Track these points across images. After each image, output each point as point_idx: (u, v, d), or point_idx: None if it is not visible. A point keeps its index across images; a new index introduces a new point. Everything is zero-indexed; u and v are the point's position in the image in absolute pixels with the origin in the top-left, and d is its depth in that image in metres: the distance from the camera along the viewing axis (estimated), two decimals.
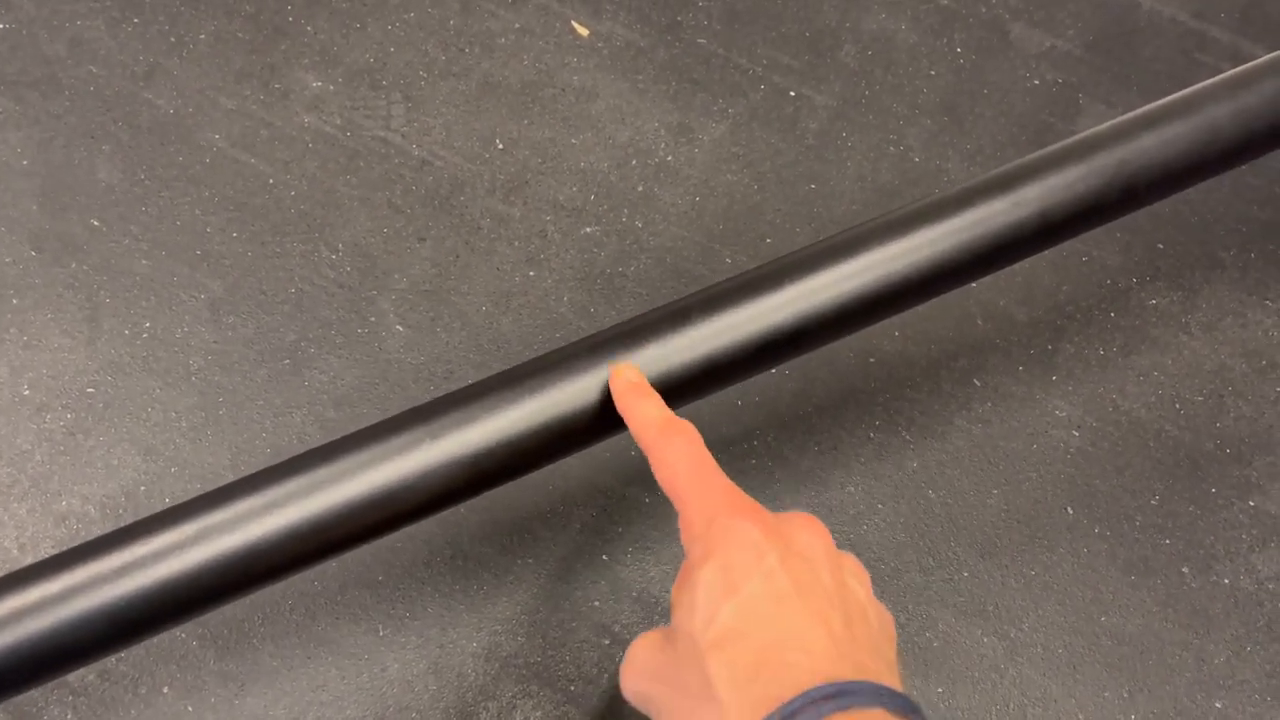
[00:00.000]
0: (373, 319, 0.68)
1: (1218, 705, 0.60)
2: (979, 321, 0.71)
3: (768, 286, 0.51)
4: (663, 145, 0.77)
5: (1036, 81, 0.82)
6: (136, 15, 0.79)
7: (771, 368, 0.53)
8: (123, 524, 0.56)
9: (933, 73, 0.82)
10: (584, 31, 0.83)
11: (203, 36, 0.79)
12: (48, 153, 0.72)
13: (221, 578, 0.44)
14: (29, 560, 0.57)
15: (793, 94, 0.81)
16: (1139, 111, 0.55)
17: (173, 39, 0.79)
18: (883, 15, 0.84)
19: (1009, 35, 0.84)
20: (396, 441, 0.47)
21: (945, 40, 0.83)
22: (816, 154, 0.78)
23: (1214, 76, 0.57)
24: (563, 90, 0.79)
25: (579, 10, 0.83)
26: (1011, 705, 0.60)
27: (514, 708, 0.57)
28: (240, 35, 0.79)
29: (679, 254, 0.73)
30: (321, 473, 0.46)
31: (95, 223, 0.70)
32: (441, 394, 0.60)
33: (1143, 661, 0.61)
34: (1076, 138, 0.55)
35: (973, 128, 0.80)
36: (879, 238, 0.52)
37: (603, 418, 0.48)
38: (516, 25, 0.82)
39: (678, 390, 0.50)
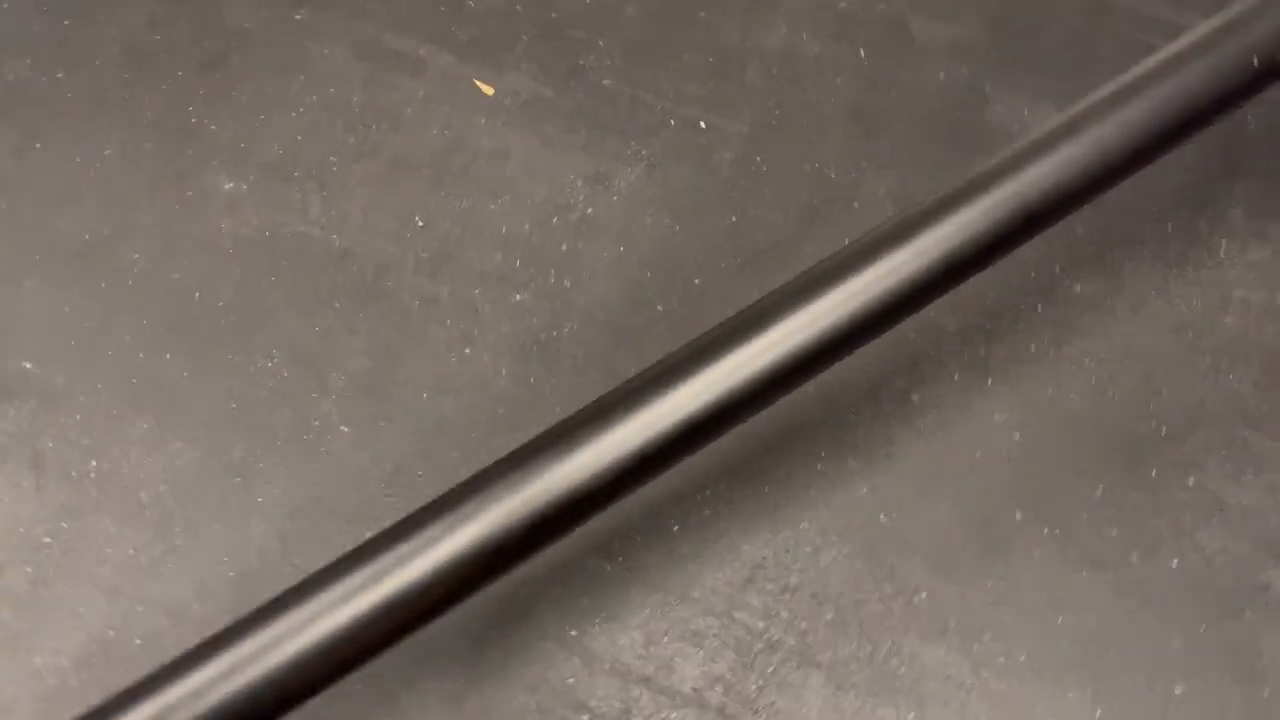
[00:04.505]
0: (316, 423, 0.69)
1: (1178, 691, 0.62)
2: (910, 336, 0.73)
3: (688, 369, 0.52)
4: (581, 197, 0.78)
5: (942, 76, 0.82)
6: (39, 140, 0.79)
7: (710, 443, 0.54)
8: (96, 672, 0.58)
9: (839, 81, 0.83)
10: (488, 90, 0.83)
11: (108, 152, 0.79)
12: None
13: None
14: None
15: (703, 125, 0.81)
16: (1034, 137, 0.56)
17: (78, 159, 0.78)
18: (783, 29, 0.84)
19: (910, 30, 0.84)
20: (357, 577, 0.48)
21: (847, 44, 0.83)
22: (733, 184, 0.79)
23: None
24: (474, 156, 0.79)
25: (480, 69, 0.83)
26: (981, 718, 0.62)
27: None
28: (146, 145, 0.79)
29: (610, 309, 0.74)
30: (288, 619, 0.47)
31: (26, 365, 0.70)
32: (391, 492, 0.61)
33: (1102, 657, 0.63)
34: (974, 174, 0.56)
35: (884, 135, 0.80)
36: (789, 305, 0.53)
37: (551, 525, 0.49)
38: (420, 94, 0.82)
39: (617, 482, 0.51)
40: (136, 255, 0.74)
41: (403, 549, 0.49)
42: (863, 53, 0.83)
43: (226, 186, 0.77)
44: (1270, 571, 0.65)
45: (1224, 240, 0.77)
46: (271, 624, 0.48)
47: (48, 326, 0.72)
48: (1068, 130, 0.57)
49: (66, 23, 0.85)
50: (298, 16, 0.85)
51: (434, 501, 0.50)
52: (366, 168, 0.78)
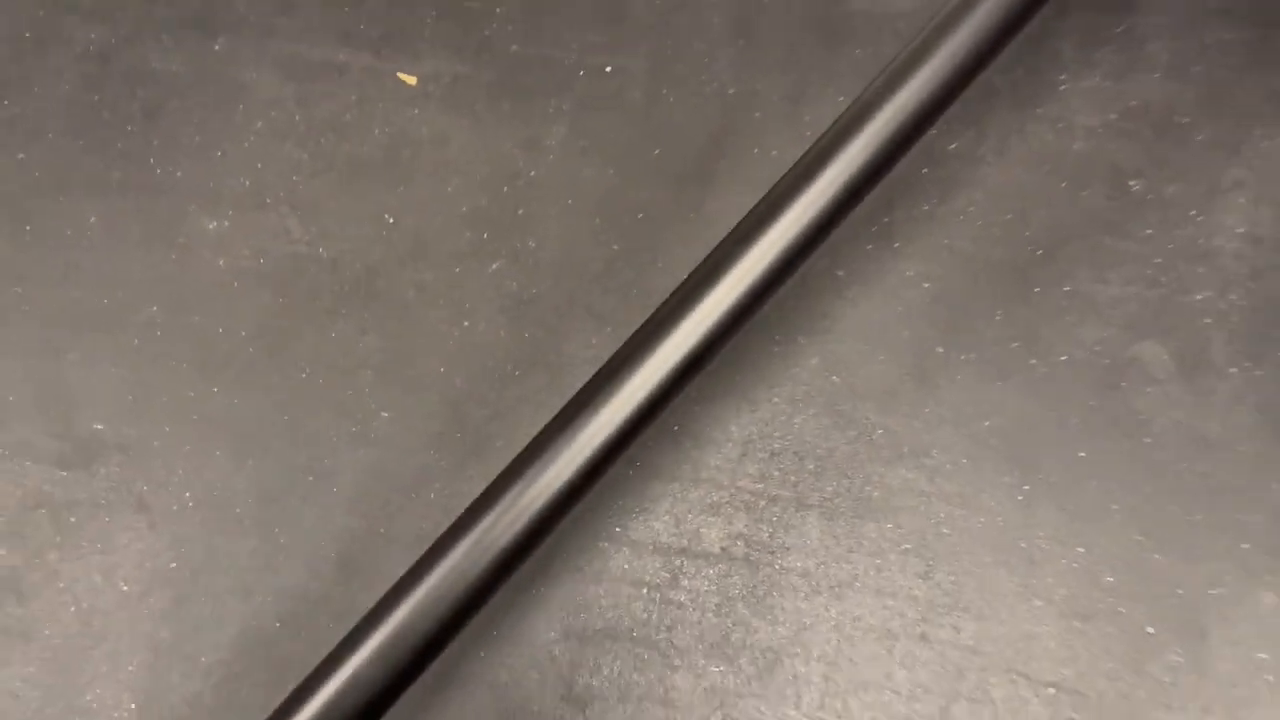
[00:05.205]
0: (359, 415, 0.82)
1: (1081, 455, 0.80)
2: None
3: (679, 315, 0.66)
4: (521, 163, 0.89)
5: None
6: (26, 223, 0.87)
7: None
8: (255, 656, 0.73)
9: None
10: (411, 80, 0.92)
11: (93, 220, 0.87)
12: (22, 381, 0.82)
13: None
14: (202, 716, 0.73)
15: (609, 69, 0.92)
16: (900, 59, 0.69)
17: (69, 232, 0.87)
18: None
19: None
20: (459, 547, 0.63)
21: None
22: (648, 119, 0.90)
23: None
24: (418, 146, 0.89)
25: (399, 61, 0.92)
26: (942, 514, 0.80)
27: (599, 667, 0.76)
28: (124, 205, 0.87)
29: (574, 256, 0.86)
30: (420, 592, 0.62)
31: (98, 427, 0.82)
32: (440, 457, 0.75)
33: (1022, 445, 0.81)
34: (858, 105, 0.69)
35: (767, 42, 0.92)
36: (747, 244, 0.66)
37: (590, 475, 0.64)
38: (353, 98, 0.91)
39: (646, 413, 0.66)
40: (155, 308, 0.84)
41: (509, 497, 0.63)
42: None
43: (210, 226, 0.87)
44: (1135, 346, 0.83)
45: (1062, 75, 0.91)
46: (406, 599, 0.63)
47: (103, 390, 0.82)
48: (926, 48, 0.69)
49: (5, 102, 0.91)
50: (216, 48, 0.93)
51: (517, 458, 0.65)
52: (328, 180, 0.88)
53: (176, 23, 0.93)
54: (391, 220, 0.87)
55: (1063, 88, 0.90)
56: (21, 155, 0.88)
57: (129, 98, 0.90)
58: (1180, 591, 0.76)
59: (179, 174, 0.88)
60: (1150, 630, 0.76)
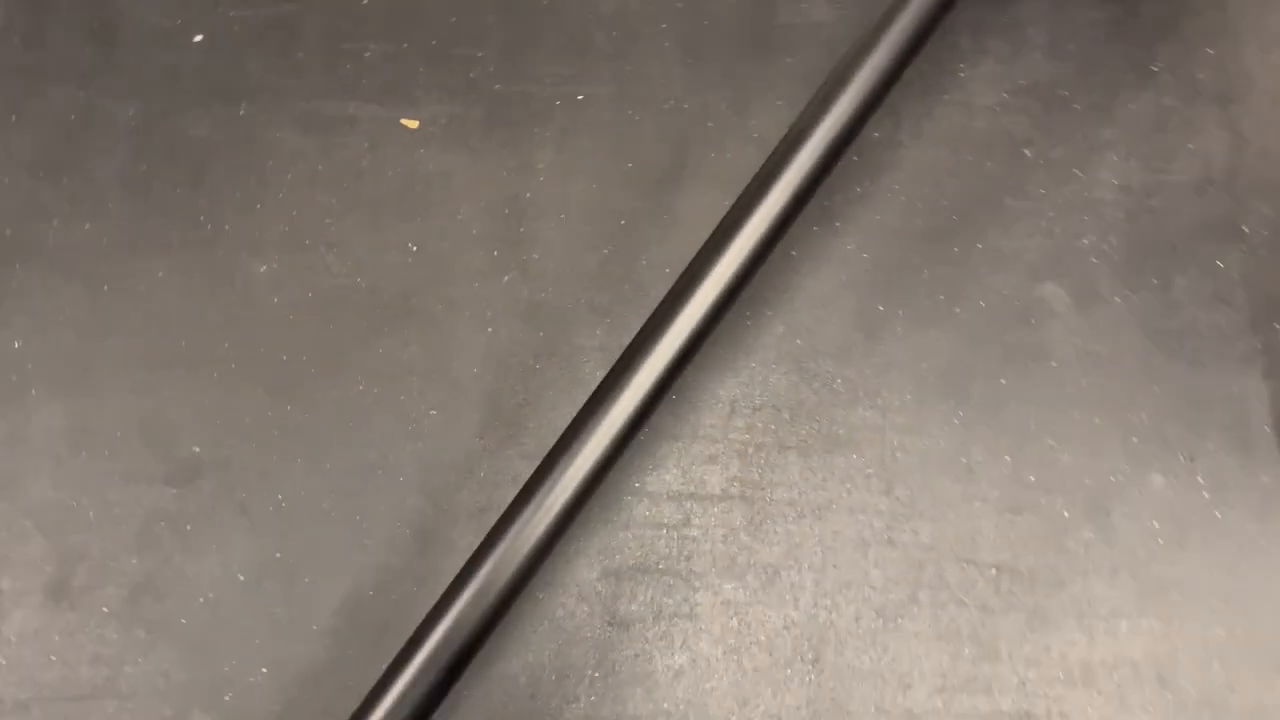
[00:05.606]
0: (412, 415, 0.99)
1: (1002, 382, 1.00)
2: None
3: (678, 306, 0.83)
4: (518, 186, 1.05)
5: None
6: (105, 284, 1.02)
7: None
8: (354, 619, 0.90)
9: (664, 26, 1.10)
10: (413, 124, 1.08)
11: (161, 275, 1.03)
12: (126, 418, 0.98)
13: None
14: (321, 672, 0.91)
15: (580, 97, 1.08)
16: (833, 78, 0.86)
17: (142, 289, 1.02)
18: None
19: None
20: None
21: None
22: (619, 138, 1.07)
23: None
24: (428, 182, 1.05)
25: (400, 109, 1.07)
26: (896, 442, 0.99)
27: (635, 595, 0.95)
28: (186, 258, 1.03)
29: (573, 263, 1.03)
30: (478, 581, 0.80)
31: (196, 449, 0.98)
32: (486, 444, 0.92)
33: (954, 380, 1.00)
34: (795, 128, 0.86)
35: (710, 59, 1.08)
36: (727, 244, 0.84)
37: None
38: (366, 145, 1.06)
39: (666, 380, 0.83)
40: (227, 344, 1.00)
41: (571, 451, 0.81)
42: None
43: (261, 269, 1.03)
44: (1040, 288, 1.02)
45: (961, 64, 1.09)
46: (482, 568, 0.80)
47: (194, 418, 0.98)
48: (854, 64, 0.87)
49: (65, 180, 1.05)
50: (240, 113, 1.08)
51: (565, 432, 0.82)
52: (355, 220, 1.04)
53: (202, 94, 1.08)
54: (414, 248, 1.03)
55: (962, 75, 1.08)
56: (88, 225, 1.03)
57: (172, 165, 1.05)
58: (1087, 481, 0.96)
59: (227, 227, 1.03)
60: (1066, 514, 0.96)
